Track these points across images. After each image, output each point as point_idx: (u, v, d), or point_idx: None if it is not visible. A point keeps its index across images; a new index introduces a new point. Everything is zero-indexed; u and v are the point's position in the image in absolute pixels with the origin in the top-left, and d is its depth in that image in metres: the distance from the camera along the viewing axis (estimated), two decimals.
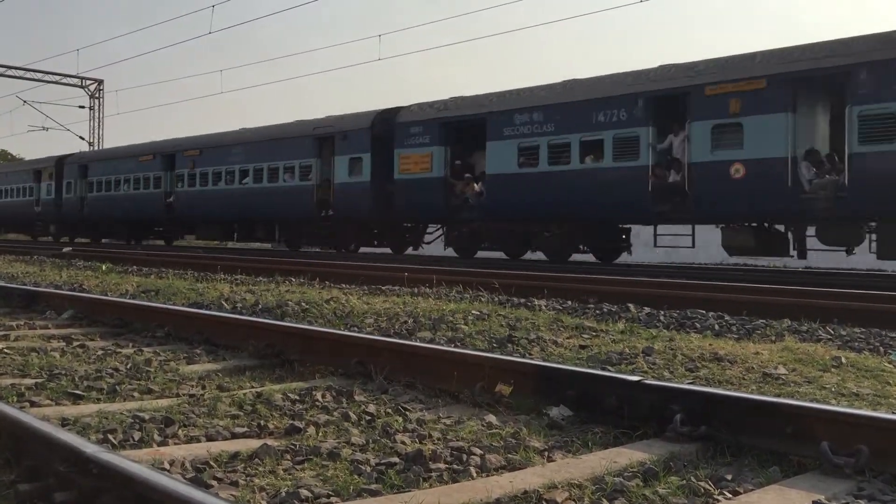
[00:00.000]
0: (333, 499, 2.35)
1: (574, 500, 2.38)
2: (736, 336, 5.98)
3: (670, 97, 14.68)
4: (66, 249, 20.04)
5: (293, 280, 10.82)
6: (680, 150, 14.60)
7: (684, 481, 2.51)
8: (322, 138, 21.47)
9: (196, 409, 3.46)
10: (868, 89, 12.26)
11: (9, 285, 8.84)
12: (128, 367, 4.44)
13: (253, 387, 4.03)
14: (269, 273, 12.09)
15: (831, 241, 13.43)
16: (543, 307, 7.67)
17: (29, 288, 8.47)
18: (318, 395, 3.68)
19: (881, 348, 5.41)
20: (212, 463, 2.69)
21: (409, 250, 21.51)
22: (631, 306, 7.56)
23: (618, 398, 3.21)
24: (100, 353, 4.95)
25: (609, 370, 4.27)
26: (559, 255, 17.03)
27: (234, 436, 3.08)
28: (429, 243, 20.95)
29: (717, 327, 6.40)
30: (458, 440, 2.97)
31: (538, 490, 2.40)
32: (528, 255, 18.27)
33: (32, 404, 3.57)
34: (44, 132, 48.36)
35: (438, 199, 18.36)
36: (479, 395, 3.63)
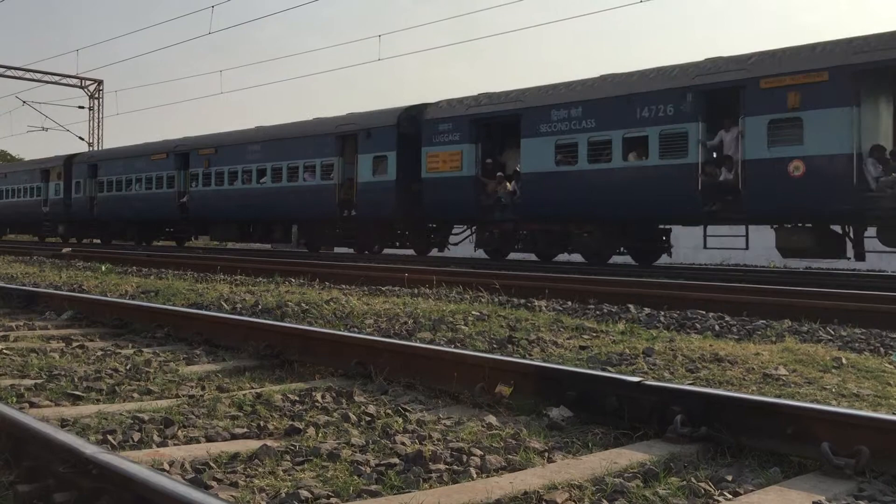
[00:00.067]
0: (333, 500, 2.35)
1: (574, 500, 2.38)
2: (736, 337, 5.98)
3: (722, 91, 13.96)
4: (65, 250, 20.04)
5: (293, 281, 10.82)
6: (732, 146, 13.94)
7: (685, 482, 2.51)
8: (344, 136, 20.79)
9: (196, 410, 3.46)
10: None
11: (8, 286, 8.84)
12: (127, 367, 4.44)
13: (253, 387, 4.03)
14: (268, 273, 12.08)
15: (895, 242, 12.80)
16: (543, 308, 7.66)
17: (28, 288, 8.46)
18: (318, 396, 3.67)
19: (882, 349, 5.40)
20: (211, 464, 2.68)
21: (434, 252, 20.79)
22: (631, 307, 7.56)
23: (618, 399, 3.21)
24: (99, 353, 4.94)
25: (609, 371, 4.26)
26: (598, 257, 16.47)
27: (234, 437, 3.08)
28: (455, 244, 20.32)
29: (717, 328, 6.39)
30: (458, 441, 2.97)
31: (538, 491, 2.40)
32: (563, 257, 17.58)
33: (32, 405, 3.56)
34: (43, 132, 48.39)
35: (469, 199, 17.68)
36: (479, 396, 3.63)
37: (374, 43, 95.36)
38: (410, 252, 20.84)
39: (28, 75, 43.13)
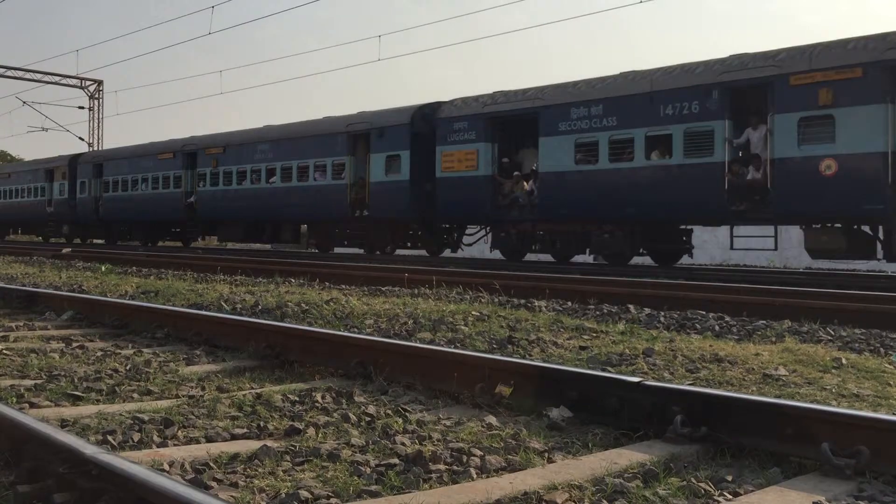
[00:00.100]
0: (333, 500, 2.35)
1: (574, 501, 2.38)
2: (736, 337, 5.98)
3: (750, 88, 13.71)
4: (65, 251, 20.04)
5: (293, 281, 10.82)
6: (760, 144, 13.64)
7: (685, 482, 2.51)
8: (356, 135, 20.45)
9: (195, 411, 3.46)
10: None
11: (8, 286, 8.84)
12: (127, 368, 4.44)
13: (253, 388, 4.03)
14: (268, 274, 12.09)
15: None
16: (543, 308, 7.66)
17: (28, 289, 8.46)
18: (318, 397, 3.67)
19: (882, 349, 5.40)
20: (211, 464, 2.68)
21: (447, 252, 20.40)
22: (631, 307, 7.56)
23: (618, 399, 3.21)
24: (99, 354, 4.94)
25: (609, 371, 4.26)
26: (620, 258, 16.23)
27: (234, 437, 3.08)
28: (469, 245, 20.10)
29: (717, 328, 6.39)
30: (458, 441, 2.97)
31: (538, 491, 2.40)
32: (581, 258, 17.24)
33: (32, 405, 3.56)
34: (43, 133, 48.39)
35: (485, 199, 17.40)
36: (479, 397, 3.63)
37: (374, 43, 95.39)
38: (423, 252, 20.56)
39: (28, 75, 43.13)
